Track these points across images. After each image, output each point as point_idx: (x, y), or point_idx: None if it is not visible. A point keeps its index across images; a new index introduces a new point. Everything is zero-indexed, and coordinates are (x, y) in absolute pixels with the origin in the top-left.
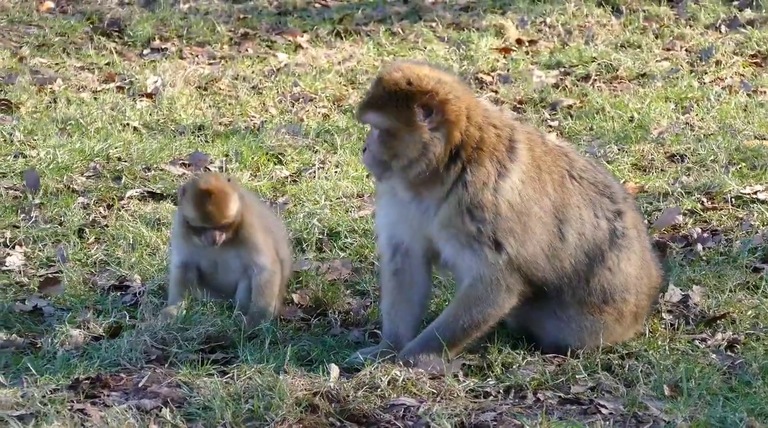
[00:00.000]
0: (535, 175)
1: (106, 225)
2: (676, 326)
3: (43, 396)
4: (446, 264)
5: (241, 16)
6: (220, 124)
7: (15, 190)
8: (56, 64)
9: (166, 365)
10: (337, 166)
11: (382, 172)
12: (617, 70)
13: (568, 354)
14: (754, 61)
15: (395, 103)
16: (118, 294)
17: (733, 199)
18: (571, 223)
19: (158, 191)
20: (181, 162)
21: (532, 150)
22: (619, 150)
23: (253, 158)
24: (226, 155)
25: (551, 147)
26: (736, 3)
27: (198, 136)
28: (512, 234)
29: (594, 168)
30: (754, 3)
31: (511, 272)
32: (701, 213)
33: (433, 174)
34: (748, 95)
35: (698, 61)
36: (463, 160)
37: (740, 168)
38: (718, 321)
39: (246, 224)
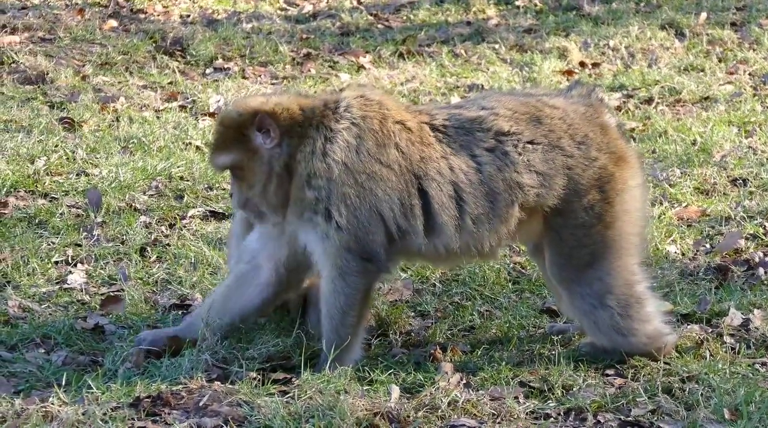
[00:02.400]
0: (377, 127)
1: (168, 244)
2: (736, 350)
3: (104, 414)
4: (311, 256)
5: (304, 36)
6: None
7: (77, 208)
8: (119, 82)
9: (227, 384)
10: None
11: (255, 213)
12: (680, 94)
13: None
14: None
15: (233, 137)
16: (180, 312)
17: None
18: (434, 177)
19: (220, 210)
20: None
21: (367, 105)
22: (681, 173)
23: None
24: None
25: (407, 105)
26: None
27: None
28: (344, 199)
29: (460, 109)
30: None
31: (350, 244)
32: (763, 237)
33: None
34: None
35: (761, 85)
36: (295, 145)
37: None
38: None
39: None
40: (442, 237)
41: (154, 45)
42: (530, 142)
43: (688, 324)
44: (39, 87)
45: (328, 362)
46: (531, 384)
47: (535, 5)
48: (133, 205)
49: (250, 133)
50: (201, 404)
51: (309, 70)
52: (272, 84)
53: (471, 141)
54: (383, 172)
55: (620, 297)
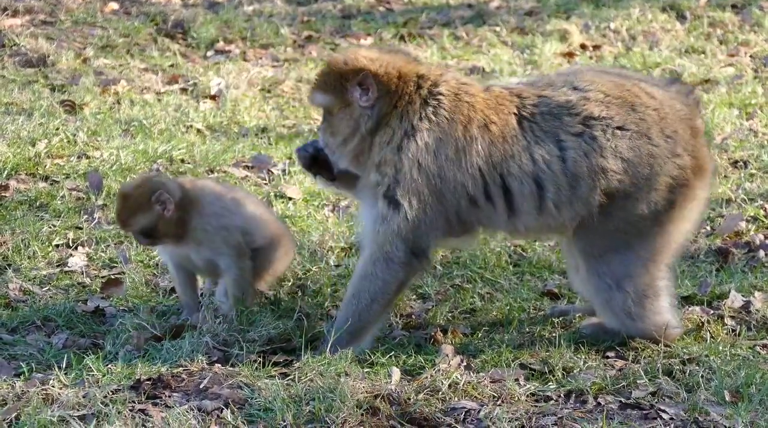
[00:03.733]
0: (459, 134)
1: None
2: (737, 332)
3: (105, 397)
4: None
5: (305, 18)
6: (283, 126)
7: (78, 191)
8: (120, 65)
9: (228, 366)
10: None
11: (332, 155)
12: (681, 76)
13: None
14: None
15: (333, 82)
16: None
17: None
18: (516, 174)
19: None
20: (244, 164)
21: (457, 106)
22: None
23: None
24: (289, 158)
25: (497, 93)
26: None
27: (261, 139)
28: (417, 194)
29: (551, 90)
30: None
31: (408, 235)
32: (764, 219)
33: (366, 148)
34: None
35: (762, 67)
36: (380, 123)
37: None
38: None
39: (194, 228)
40: (522, 219)
41: (155, 27)
42: (620, 128)
43: (689, 307)
44: (40, 70)
45: (329, 344)
46: (531, 366)
47: None
48: None
49: (349, 84)
50: (201, 386)
51: (310, 53)
52: (273, 67)
53: (558, 126)
54: (458, 176)
55: (639, 286)
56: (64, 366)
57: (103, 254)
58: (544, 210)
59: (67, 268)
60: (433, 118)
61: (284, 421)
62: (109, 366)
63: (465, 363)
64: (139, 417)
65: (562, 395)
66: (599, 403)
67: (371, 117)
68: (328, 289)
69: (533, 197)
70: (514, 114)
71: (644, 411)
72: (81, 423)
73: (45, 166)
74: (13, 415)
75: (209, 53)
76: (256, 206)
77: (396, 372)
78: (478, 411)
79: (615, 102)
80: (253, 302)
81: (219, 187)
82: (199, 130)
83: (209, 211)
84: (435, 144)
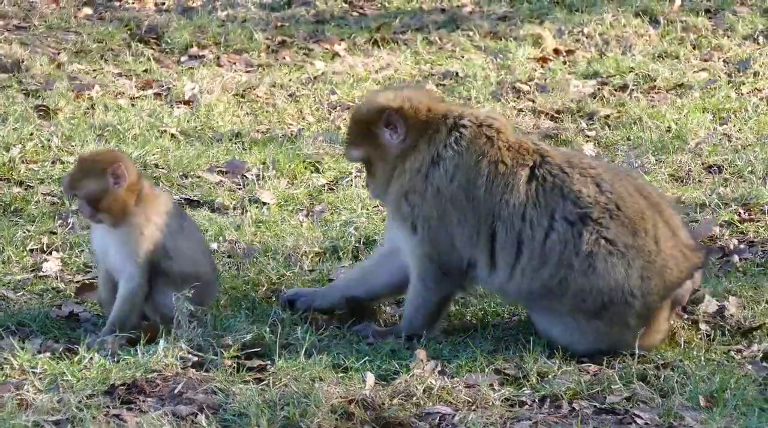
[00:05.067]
0: (472, 163)
1: None
2: (712, 337)
3: (79, 402)
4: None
5: (279, 24)
6: (257, 131)
7: (52, 196)
8: (94, 70)
9: (202, 371)
10: None
11: (382, 199)
12: (655, 81)
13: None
14: None
15: (361, 133)
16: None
17: None
18: (506, 219)
19: (195, 198)
20: (218, 169)
21: (477, 137)
22: (656, 160)
23: (290, 166)
24: (263, 163)
25: (522, 142)
26: None
27: (235, 144)
28: (429, 220)
29: (575, 172)
30: None
31: (427, 256)
32: (738, 224)
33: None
34: None
35: (736, 72)
36: (409, 148)
37: None
38: (754, 332)
39: (134, 222)
40: (499, 277)
41: (129, 33)
42: (608, 241)
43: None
44: (14, 75)
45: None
46: (506, 371)
47: None
48: None
49: (377, 130)
50: (176, 391)
51: (284, 58)
52: (247, 72)
53: (559, 206)
54: (464, 204)
55: None
56: (38, 371)
57: (77, 259)
58: (513, 274)
59: (41, 273)
60: (455, 146)
61: (258, 426)
62: (84, 371)
63: (439, 368)
64: (114, 422)
65: (536, 400)
66: (574, 408)
67: (407, 147)
68: None
69: (511, 255)
70: (529, 167)
71: (619, 416)
72: None
73: (19, 171)
74: None
75: (183, 58)
76: (192, 241)
77: (370, 377)
78: (453, 416)
79: (624, 221)
80: (131, 328)
81: (173, 206)
82: (173, 135)
83: (153, 218)
84: (453, 170)
